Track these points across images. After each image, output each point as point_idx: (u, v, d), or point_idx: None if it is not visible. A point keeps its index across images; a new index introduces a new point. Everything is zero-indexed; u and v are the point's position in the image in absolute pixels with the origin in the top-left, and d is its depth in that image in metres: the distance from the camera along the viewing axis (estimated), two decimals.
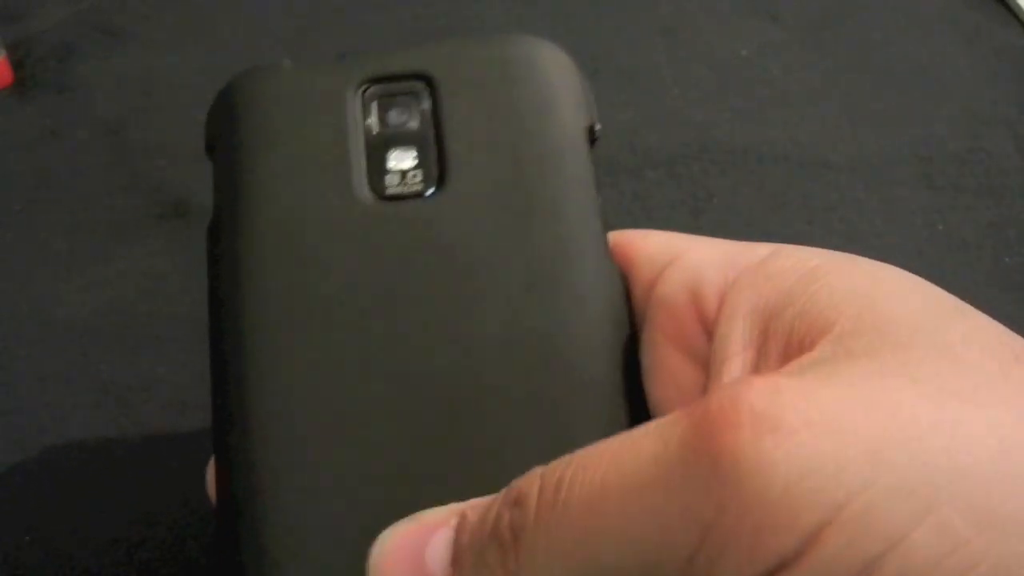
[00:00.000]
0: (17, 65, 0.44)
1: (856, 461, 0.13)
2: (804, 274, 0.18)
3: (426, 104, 0.22)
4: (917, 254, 0.39)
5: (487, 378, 0.19)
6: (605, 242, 0.21)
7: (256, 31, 0.46)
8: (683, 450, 0.14)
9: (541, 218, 0.21)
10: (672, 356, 0.20)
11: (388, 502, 0.18)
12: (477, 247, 0.20)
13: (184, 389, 0.34)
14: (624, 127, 0.42)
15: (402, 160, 0.21)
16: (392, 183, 0.21)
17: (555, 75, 0.22)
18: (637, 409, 0.20)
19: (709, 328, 0.19)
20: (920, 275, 0.18)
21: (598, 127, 0.22)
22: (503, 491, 0.17)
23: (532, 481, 0.16)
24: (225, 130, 0.21)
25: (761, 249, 0.19)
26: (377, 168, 0.21)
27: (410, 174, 0.21)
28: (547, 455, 0.16)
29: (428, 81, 0.22)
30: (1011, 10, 0.50)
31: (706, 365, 0.19)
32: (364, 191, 0.20)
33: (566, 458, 0.16)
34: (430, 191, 0.21)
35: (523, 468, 0.16)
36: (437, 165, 0.21)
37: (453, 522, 0.17)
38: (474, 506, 0.17)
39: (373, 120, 0.21)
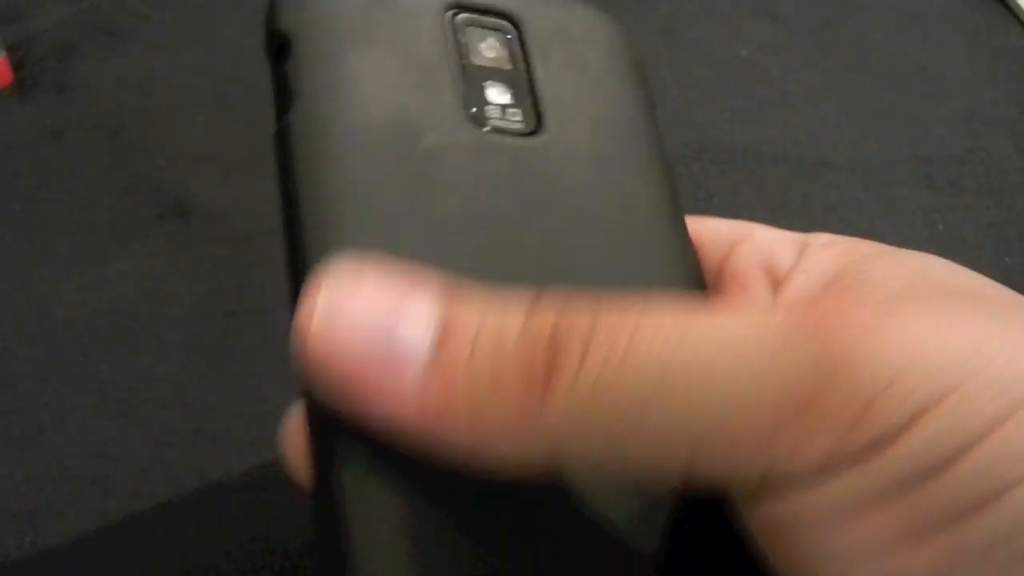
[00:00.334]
0: (17, 65, 0.44)
1: (960, 354, 0.14)
2: (865, 255, 0.19)
3: (515, 46, 0.22)
4: None
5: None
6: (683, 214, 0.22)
7: (256, 31, 0.46)
8: (786, 326, 0.14)
9: (639, 177, 0.21)
10: None
11: None
12: (580, 193, 0.20)
13: (184, 389, 0.34)
14: None
15: (500, 95, 0.21)
16: (493, 115, 0.21)
17: (634, 49, 0.23)
18: None
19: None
20: None
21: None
22: (544, 311, 0.15)
23: (580, 321, 0.15)
24: (314, 24, 0.21)
25: (822, 237, 0.21)
26: (476, 97, 0.21)
27: (510, 111, 0.21)
28: None
29: (515, 23, 0.22)
30: (1011, 10, 0.50)
31: None
32: (464, 116, 0.21)
33: (620, 309, 0.15)
34: (530, 130, 0.21)
35: None
36: (533, 108, 0.21)
37: (442, 301, 0.15)
38: (491, 303, 0.15)
39: (465, 47, 0.22)
